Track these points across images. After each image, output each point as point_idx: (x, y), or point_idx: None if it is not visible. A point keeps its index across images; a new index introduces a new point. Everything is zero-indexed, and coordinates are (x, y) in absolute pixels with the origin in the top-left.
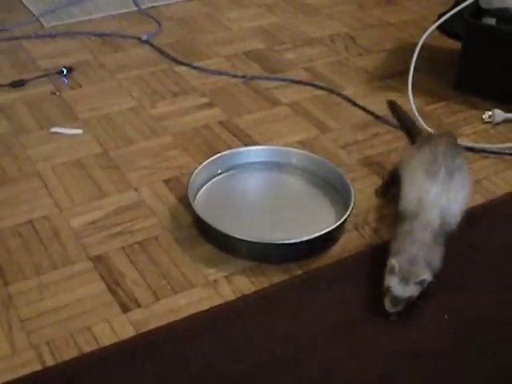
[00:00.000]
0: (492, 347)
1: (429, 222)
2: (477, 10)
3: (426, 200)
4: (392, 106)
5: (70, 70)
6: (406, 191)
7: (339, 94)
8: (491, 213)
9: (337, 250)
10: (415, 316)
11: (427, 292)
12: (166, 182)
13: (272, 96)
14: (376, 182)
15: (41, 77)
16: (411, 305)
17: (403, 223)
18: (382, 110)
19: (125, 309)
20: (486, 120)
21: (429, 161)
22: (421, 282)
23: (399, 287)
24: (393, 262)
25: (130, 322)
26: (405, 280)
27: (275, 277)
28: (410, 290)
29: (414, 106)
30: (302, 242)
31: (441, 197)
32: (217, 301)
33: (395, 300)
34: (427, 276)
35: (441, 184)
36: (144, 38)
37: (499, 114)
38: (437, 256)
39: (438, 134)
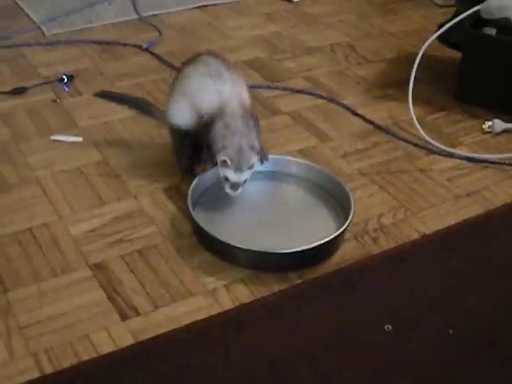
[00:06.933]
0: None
1: (235, 113)
2: (477, 20)
3: (225, 97)
4: (104, 95)
5: (70, 77)
6: (201, 100)
7: (339, 103)
8: (491, 223)
9: (336, 259)
10: (415, 328)
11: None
12: (166, 190)
13: (272, 105)
14: (375, 191)
15: (41, 84)
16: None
17: (214, 127)
18: (382, 119)
19: (124, 317)
20: (486, 130)
21: (207, 70)
22: (252, 166)
23: (235, 175)
24: (222, 157)
25: (129, 330)
26: (239, 169)
27: (274, 286)
28: (245, 175)
29: (414, 116)
30: (301, 251)
31: (233, 89)
32: (215, 310)
33: (234, 186)
34: (255, 159)
35: (229, 80)
36: (144, 46)
37: (499, 124)
38: (255, 138)
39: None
